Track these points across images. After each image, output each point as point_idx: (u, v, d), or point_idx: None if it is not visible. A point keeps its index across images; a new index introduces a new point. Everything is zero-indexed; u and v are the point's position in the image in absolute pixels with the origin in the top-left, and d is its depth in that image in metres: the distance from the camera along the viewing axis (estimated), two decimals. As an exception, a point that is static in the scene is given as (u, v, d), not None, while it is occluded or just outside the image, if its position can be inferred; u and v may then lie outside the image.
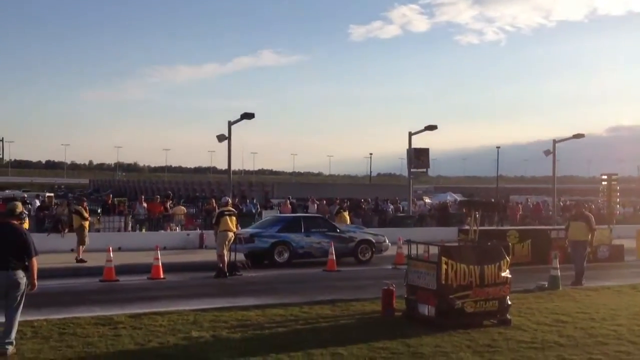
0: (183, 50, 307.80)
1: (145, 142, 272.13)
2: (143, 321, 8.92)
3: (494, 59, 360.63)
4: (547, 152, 29.07)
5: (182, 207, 27.25)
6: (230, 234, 14.99)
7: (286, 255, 17.22)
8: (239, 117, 21.59)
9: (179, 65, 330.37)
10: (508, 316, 9.10)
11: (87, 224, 17.93)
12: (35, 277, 7.38)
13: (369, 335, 8.15)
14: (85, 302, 11.04)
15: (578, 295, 11.86)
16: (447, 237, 19.13)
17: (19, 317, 7.41)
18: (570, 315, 9.75)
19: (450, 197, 52.57)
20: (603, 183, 22.60)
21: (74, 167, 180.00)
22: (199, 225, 24.94)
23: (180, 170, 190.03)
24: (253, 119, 21.48)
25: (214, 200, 26.52)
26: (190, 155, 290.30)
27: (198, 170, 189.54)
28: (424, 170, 28.54)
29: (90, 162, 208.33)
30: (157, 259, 14.31)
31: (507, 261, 9.16)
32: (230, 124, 21.93)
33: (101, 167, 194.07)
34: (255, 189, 66.54)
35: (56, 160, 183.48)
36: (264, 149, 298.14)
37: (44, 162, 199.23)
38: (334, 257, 16.28)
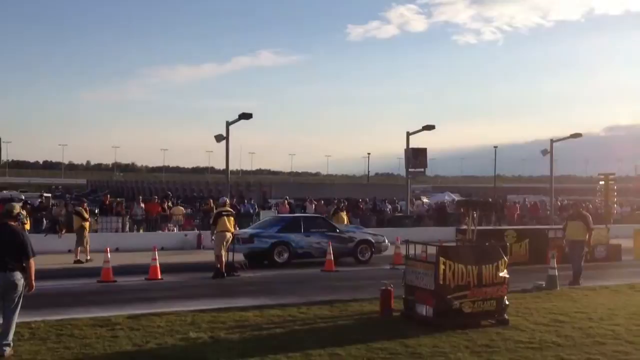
0: (182, 50, 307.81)
1: (143, 142, 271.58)
2: (141, 322, 8.91)
3: (492, 59, 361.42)
4: (544, 152, 29.13)
5: (181, 208, 27.25)
6: (228, 235, 14.98)
7: (286, 255, 17.21)
8: (237, 117, 21.59)
9: (177, 65, 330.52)
10: (506, 316, 9.11)
11: (87, 225, 17.93)
12: (33, 278, 7.37)
13: (367, 336, 8.15)
14: (82, 303, 11.01)
15: (576, 295, 11.88)
16: (444, 237, 19.13)
17: (16, 319, 7.39)
18: (568, 315, 9.76)
19: (448, 197, 52.56)
20: (600, 183, 22.63)
21: (72, 167, 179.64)
22: (197, 225, 24.93)
23: (178, 170, 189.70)
24: (251, 119, 21.48)
25: (211, 201, 26.53)
26: (188, 155, 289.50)
27: (196, 170, 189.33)
28: (422, 170, 28.60)
29: (88, 162, 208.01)
30: (155, 259, 14.29)
31: (505, 261, 9.17)
32: (228, 124, 21.92)
33: (99, 167, 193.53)
34: (253, 189, 66.45)
35: (54, 161, 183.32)
36: (262, 149, 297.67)
37: (41, 162, 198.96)
38: (332, 257, 16.28)
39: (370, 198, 38.88)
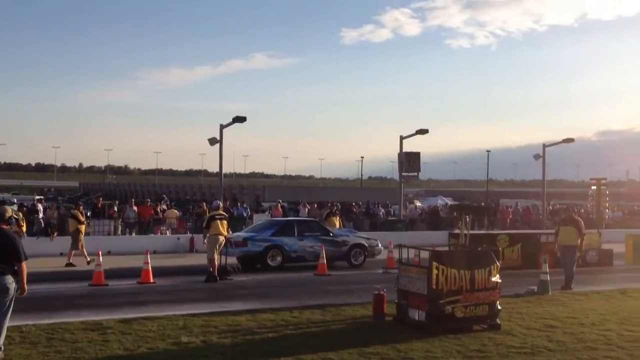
0: (175, 52, 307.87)
1: (136, 144, 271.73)
2: (132, 326, 8.88)
3: (485, 63, 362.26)
4: (537, 156, 29.21)
5: (175, 211, 27.18)
6: (221, 238, 14.95)
7: (279, 259, 17.18)
8: (231, 120, 21.57)
9: (171, 67, 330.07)
10: (498, 321, 9.13)
11: (83, 227, 17.86)
12: (25, 281, 7.32)
13: (359, 340, 8.15)
14: (74, 306, 10.94)
15: (567, 300, 11.91)
16: (437, 241, 19.16)
17: (7, 323, 7.35)
18: (559, 320, 9.79)
19: (441, 201, 52.67)
20: (592, 187, 22.76)
21: (64, 170, 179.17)
22: (190, 228, 24.87)
23: (171, 173, 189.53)
24: (245, 122, 21.48)
25: (204, 204, 26.47)
26: (182, 158, 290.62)
27: (189, 173, 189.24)
28: (415, 174, 28.63)
29: (81, 164, 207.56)
30: (147, 263, 14.24)
31: (498, 266, 9.19)
32: (222, 127, 21.90)
33: (91, 169, 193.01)
34: (246, 192, 66.41)
35: (46, 163, 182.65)
36: (255, 152, 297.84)
37: (33, 164, 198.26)
38: (325, 261, 16.27)
39: (363, 202, 38.94)
